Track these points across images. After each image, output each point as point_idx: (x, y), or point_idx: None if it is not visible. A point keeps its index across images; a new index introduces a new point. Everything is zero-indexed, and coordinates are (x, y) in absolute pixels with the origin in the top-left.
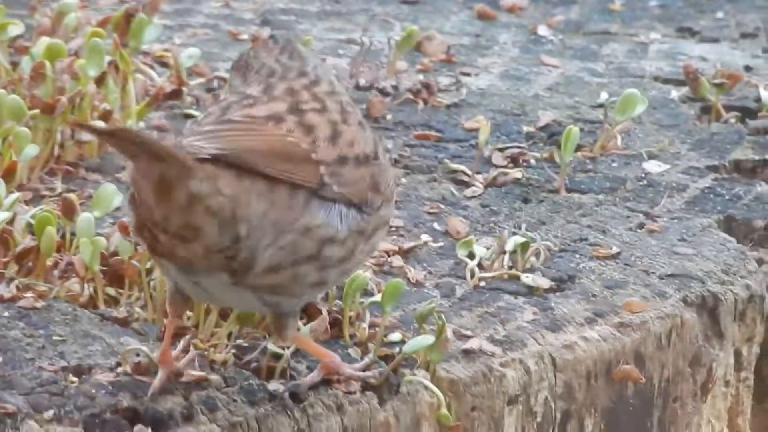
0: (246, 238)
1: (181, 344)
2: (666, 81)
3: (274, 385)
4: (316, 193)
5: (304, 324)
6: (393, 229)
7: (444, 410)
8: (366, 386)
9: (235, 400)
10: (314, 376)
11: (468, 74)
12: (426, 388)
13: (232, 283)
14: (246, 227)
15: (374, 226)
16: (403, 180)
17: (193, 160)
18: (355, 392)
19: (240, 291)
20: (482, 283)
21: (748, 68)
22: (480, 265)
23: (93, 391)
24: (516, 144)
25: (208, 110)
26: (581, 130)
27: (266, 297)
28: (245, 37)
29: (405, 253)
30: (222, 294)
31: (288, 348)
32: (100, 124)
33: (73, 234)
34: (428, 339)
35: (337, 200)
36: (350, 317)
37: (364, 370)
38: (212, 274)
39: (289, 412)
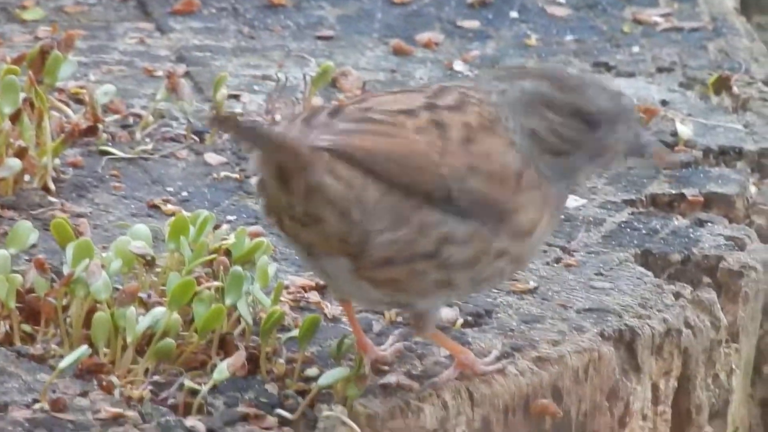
0: (360, 223)
1: (391, 339)
2: None
3: (191, 422)
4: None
5: (221, 360)
6: None
7: None
8: (283, 422)
9: None
10: (450, 374)
11: None
12: (343, 423)
13: (352, 270)
14: (359, 212)
15: (501, 247)
16: None
17: (311, 151)
18: (272, 428)
19: (363, 285)
20: (399, 318)
21: (664, 102)
22: None
23: (10, 428)
24: None
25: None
26: None
27: (392, 295)
28: (160, 73)
29: (322, 289)
30: (345, 283)
31: (204, 384)
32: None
33: None
34: (344, 371)
35: (460, 214)
36: (267, 352)
37: (497, 359)
38: (333, 259)
39: None
